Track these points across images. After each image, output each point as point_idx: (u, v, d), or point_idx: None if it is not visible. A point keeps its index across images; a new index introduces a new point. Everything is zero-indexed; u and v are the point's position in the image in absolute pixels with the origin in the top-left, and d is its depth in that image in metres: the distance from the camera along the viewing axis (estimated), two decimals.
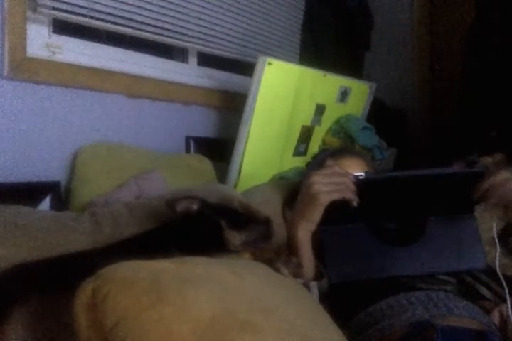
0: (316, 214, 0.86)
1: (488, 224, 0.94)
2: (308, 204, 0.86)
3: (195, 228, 0.94)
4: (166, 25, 1.57)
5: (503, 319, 0.89)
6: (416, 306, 0.84)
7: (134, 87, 1.49)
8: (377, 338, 0.82)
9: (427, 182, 0.86)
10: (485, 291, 0.96)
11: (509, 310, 0.87)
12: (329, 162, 0.92)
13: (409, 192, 0.87)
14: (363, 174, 0.84)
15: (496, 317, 0.90)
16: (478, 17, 2.09)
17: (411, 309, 0.83)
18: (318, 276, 0.90)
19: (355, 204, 0.84)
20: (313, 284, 0.86)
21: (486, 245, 0.93)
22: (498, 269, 0.90)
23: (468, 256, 0.88)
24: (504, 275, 0.98)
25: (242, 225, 0.94)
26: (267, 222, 1.01)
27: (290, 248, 0.90)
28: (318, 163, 1.23)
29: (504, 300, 0.91)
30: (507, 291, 0.88)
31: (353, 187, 0.84)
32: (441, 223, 0.89)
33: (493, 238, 0.91)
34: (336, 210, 0.86)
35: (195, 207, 0.97)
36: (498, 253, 0.89)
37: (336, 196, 0.84)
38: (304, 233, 0.87)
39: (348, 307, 0.90)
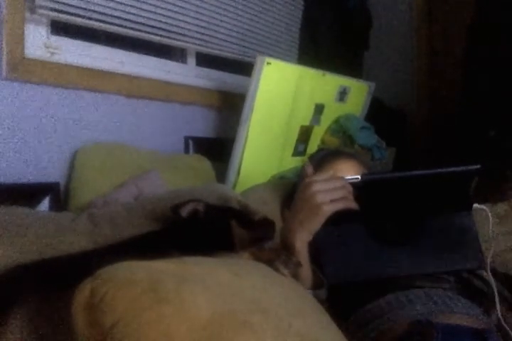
0: (317, 225, 0.84)
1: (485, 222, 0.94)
2: (310, 214, 0.84)
3: (201, 230, 0.93)
4: (165, 26, 1.58)
5: (499, 320, 0.89)
6: (414, 303, 0.84)
7: (132, 87, 1.49)
8: (376, 333, 0.82)
9: (422, 181, 0.86)
10: (479, 283, 0.95)
11: (498, 308, 0.87)
12: (309, 169, 0.91)
13: (405, 192, 0.87)
14: (358, 177, 0.84)
15: (495, 316, 0.90)
16: (478, 17, 2.09)
17: (410, 305, 0.84)
18: (316, 284, 0.89)
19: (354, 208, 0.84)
20: (309, 292, 0.86)
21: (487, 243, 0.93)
22: (488, 269, 0.90)
23: (466, 255, 0.88)
24: (504, 273, 0.98)
25: (248, 226, 0.93)
26: (266, 221, 1.01)
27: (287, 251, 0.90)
28: (314, 164, 1.23)
29: (500, 294, 0.91)
30: (496, 293, 0.88)
31: (350, 189, 0.84)
32: (439, 222, 0.89)
33: (490, 236, 0.91)
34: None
35: (201, 209, 0.96)
36: (491, 252, 0.89)
37: (340, 206, 0.83)
38: (302, 243, 0.86)
39: (347, 306, 0.90)
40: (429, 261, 0.88)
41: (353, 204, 0.83)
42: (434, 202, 0.90)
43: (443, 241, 0.88)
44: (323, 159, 1.21)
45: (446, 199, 0.89)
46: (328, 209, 0.83)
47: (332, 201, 0.83)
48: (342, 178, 0.84)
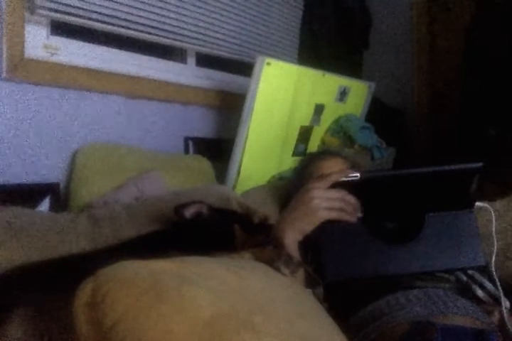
0: (309, 227, 0.84)
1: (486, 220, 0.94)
2: (304, 215, 0.84)
3: (204, 231, 0.92)
4: (165, 26, 1.57)
5: (503, 319, 0.89)
6: (414, 304, 0.84)
7: (132, 87, 1.50)
8: (376, 334, 0.82)
9: (424, 179, 0.86)
10: (478, 291, 0.95)
11: (503, 310, 0.87)
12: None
13: (405, 190, 0.87)
14: (358, 175, 0.83)
15: (496, 317, 0.90)
16: (478, 17, 2.10)
17: (409, 306, 0.83)
18: (309, 282, 0.89)
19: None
20: (309, 292, 0.86)
21: (484, 242, 0.93)
22: (493, 268, 0.90)
23: (467, 253, 0.88)
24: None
25: (252, 231, 0.93)
26: (266, 225, 1.01)
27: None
28: (301, 168, 1.25)
29: (496, 300, 0.91)
30: (501, 292, 0.88)
31: (354, 204, 0.83)
32: (440, 220, 0.89)
33: (493, 234, 0.91)
34: None
35: (205, 211, 0.96)
36: (495, 251, 0.89)
37: (335, 215, 0.83)
38: (291, 241, 0.86)
39: (348, 307, 0.90)
40: (430, 260, 0.87)
41: (349, 218, 0.83)
42: (436, 200, 0.89)
43: (444, 240, 0.88)
44: (310, 161, 1.23)
45: (448, 197, 0.89)
46: (323, 215, 0.82)
47: (330, 209, 0.83)
48: (343, 191, 0.84)
